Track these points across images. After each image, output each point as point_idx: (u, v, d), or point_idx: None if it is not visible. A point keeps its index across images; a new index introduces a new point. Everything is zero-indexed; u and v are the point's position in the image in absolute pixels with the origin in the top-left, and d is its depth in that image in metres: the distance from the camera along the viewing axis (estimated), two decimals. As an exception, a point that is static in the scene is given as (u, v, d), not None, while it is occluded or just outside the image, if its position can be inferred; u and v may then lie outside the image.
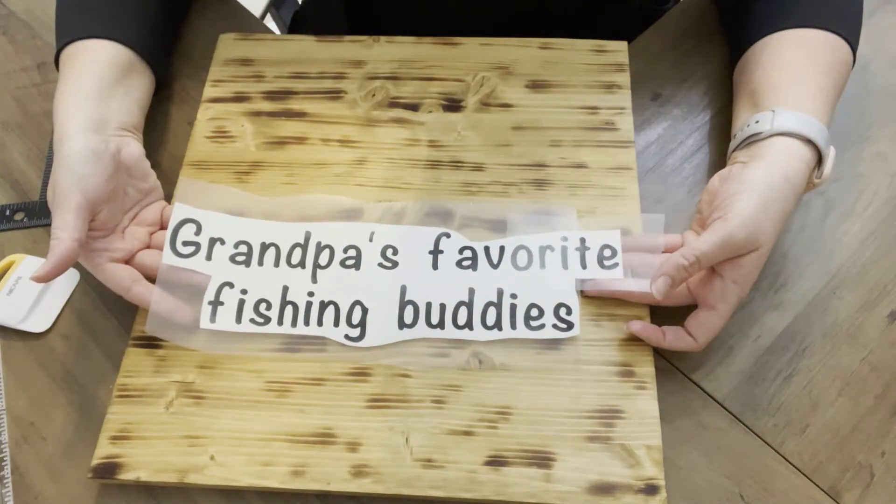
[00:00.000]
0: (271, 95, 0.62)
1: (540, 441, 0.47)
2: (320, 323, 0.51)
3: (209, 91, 0.62)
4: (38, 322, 0.54)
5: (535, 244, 0.53)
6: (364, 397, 0.49)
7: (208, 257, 0.53)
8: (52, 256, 0.47)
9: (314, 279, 0.53)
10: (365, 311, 0.51)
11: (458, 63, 0.63)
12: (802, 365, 0.51)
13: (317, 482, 0.46)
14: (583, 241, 0.53)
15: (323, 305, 0.52)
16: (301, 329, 0.51)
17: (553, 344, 0.50)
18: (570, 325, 0.50)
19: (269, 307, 0.52)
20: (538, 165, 0.57)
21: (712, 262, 0.47)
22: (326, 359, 0.50)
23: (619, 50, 0.63)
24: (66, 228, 0.47)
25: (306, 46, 0.64)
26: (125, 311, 0.53)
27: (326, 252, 0.54)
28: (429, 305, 0.51)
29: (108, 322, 0.54)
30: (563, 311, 0.51)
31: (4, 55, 0.68)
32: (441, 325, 0.51)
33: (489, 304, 0.51)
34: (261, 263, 0.53)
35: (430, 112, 0.60)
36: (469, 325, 0.51)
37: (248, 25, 0.68)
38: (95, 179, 0.49)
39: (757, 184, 0.47)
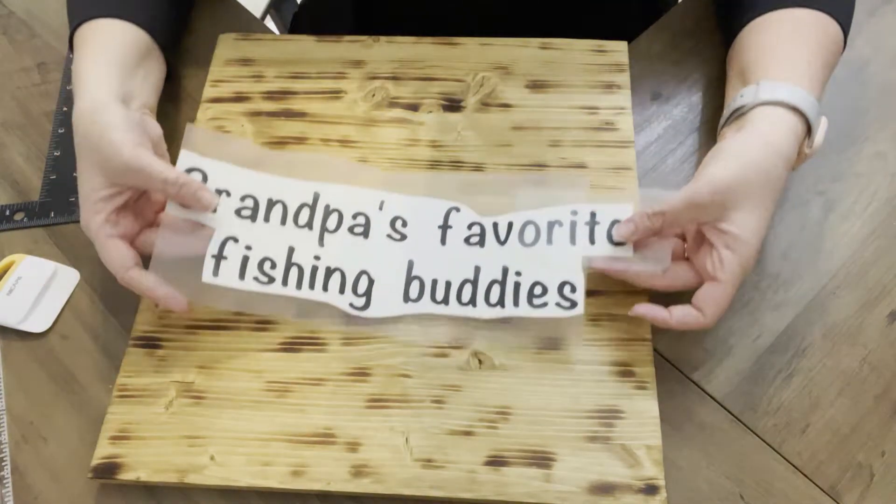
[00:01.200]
0: (271, 95, 0.62)
1: (540, 441, 0.47)
2: (326, 288, 0.51)
3: (209, 91, 0.62)
4: (38, 322, 0.54)
5: (543, 219, 0.52)
6: (364, 397, 0.49)
7: (213, 209, 0.52)
8: (194, 201, 0.49)
9: (321, 242, 0.52)
10: (371, 281, 0.52)
11: (458, 63, 0.63)
12: (802, 365, 0.51)
13: (317, 482, 0.46)
14: (593, 215, 0.52)
15: (329, 271, 0.52)
16: (306, 293, 0.51)
17: (553, 344, 0.50)
18: (573, 304, 0.49)
19: (273, 266, 0.51)
20: (538, 165, 0.57)
21: (679, 220, 0.48)
22: (326, 359, 0.50)
23: (619, 50, 0.63)
24: (171, 171, 0.48)
25: (306, 46, 0.64)
26: (125, 311, 0.53)
27: (335, 216, 0.53)
28: (434, 282, 0.52)
29: (108, 322, 0.54)
30: (567, 289, 0.50)
31: (4, 55, 0.68)
32: (446, 300, 0.51)
33: (493, 281, 0.51)
34: (267, 220, 0.52)
35: (430, 112, 0.60)
36: (473, 301, 0.51)
37: (248, 25, 0.68)
38: (144, 141, 0.50)
39: (730, 151, 0.48)
